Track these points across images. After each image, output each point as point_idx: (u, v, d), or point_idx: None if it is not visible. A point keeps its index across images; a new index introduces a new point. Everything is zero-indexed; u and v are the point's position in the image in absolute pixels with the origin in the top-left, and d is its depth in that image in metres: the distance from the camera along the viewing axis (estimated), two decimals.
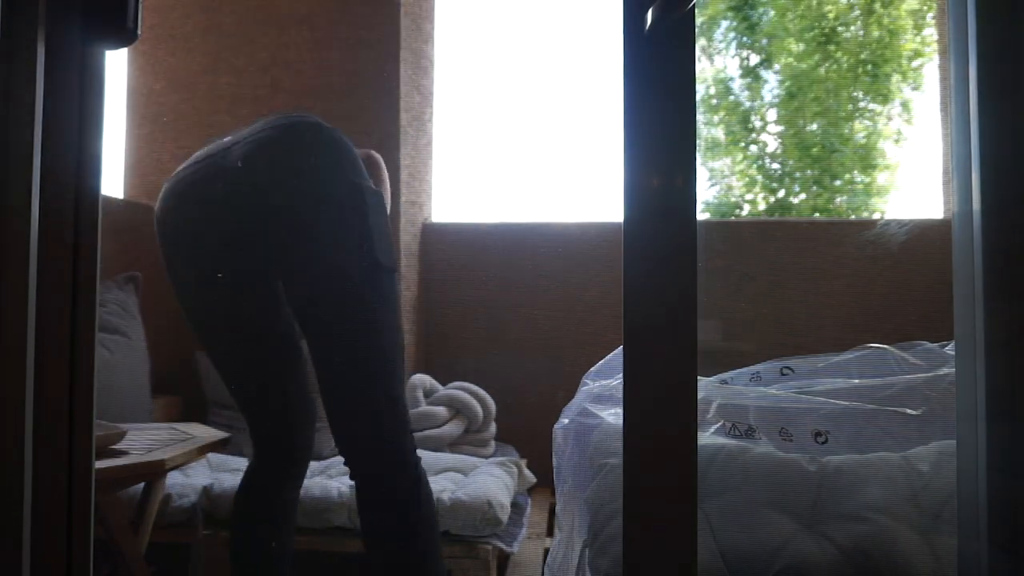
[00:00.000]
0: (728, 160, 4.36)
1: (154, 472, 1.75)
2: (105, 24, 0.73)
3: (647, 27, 0.64)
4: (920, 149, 4.04)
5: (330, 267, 1.34)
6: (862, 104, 4.29)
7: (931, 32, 3.93)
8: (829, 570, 0.75)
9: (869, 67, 4.16)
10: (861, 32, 4.25)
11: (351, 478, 1.47)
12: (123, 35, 0.74)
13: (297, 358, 1.48)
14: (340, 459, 2.59)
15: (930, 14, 3.94)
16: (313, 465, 2.63)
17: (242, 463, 2.61)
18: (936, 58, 3.58)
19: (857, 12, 4.32)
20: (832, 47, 4.21)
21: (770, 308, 2.99)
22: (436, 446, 2.72)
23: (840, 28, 4.28)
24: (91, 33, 0.72)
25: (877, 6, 4.26)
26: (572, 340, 2.98)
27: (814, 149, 4.19)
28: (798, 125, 4.28)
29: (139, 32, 0.75)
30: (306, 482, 2.30)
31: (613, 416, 0.96)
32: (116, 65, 3.06)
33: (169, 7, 3.16)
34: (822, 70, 4.20)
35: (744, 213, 4.38)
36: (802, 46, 4.26)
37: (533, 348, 3.02)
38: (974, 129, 0.70)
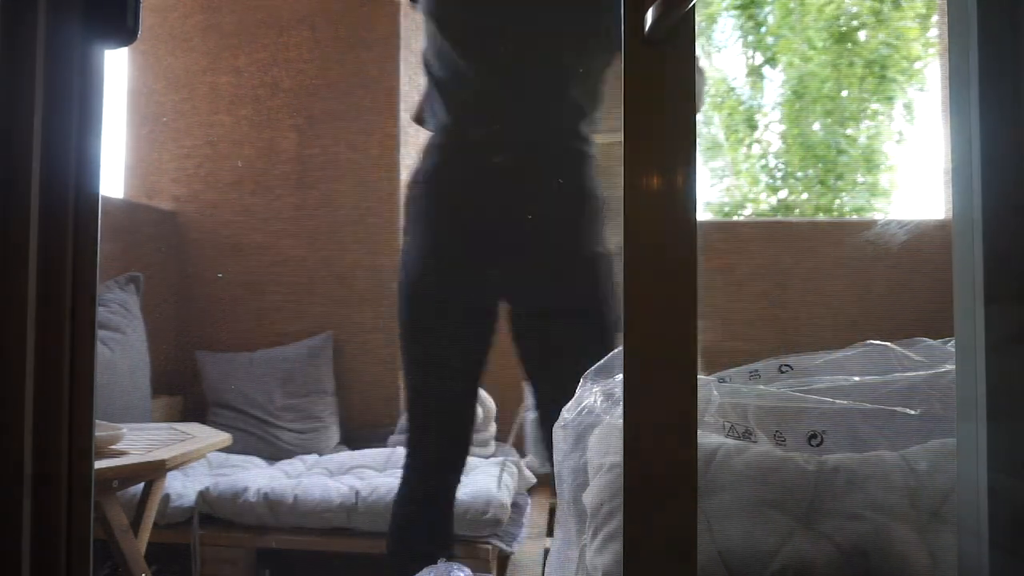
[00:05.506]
0: (729, 159, 4.35)
1: (154, 472, 1.75)
2: (105, 24, 0.73)
3: (647, 27, 0.64)
4: (921, 149, 4.03)
5: None
6: (868, 105, 4.28)
7: (934, 32, 3.92)
8: (826, 569, 0.75)
9: (877, 68, 4.14)
10: (864, 36, 4.24)
11: None
12: (123, 35, 0.74)
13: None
14: (340, 456, 2.59)
15: (934, 15, 3.93)
16: (310, 460, 2.63)
17: (241, 462, 2.60)
18: (938, 58, 3.58)
19: (869, 13, 4.30)
20: (850, 45, 4.19)
21: (770, 308, 2.99)
22: None
23: (856, 25, 4.26)
24: (91, 33, 0.72)
25: (885, 8, 4.25)
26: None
27: (818, 149, 4.18)
28: (802, 125, 4.27)
29: (139, 32, 0.75)
30: (306, 482, 2.30)
31: (613, 416, 0.96)
32: (116, 65, 3.06)
33: (169, 7, 3.16)
34: (833, 69, 4.18)
35: (748, 213, 4.38)
36: (805, 45, 4.25)
37: None
38: (974, 129, 0.70)
